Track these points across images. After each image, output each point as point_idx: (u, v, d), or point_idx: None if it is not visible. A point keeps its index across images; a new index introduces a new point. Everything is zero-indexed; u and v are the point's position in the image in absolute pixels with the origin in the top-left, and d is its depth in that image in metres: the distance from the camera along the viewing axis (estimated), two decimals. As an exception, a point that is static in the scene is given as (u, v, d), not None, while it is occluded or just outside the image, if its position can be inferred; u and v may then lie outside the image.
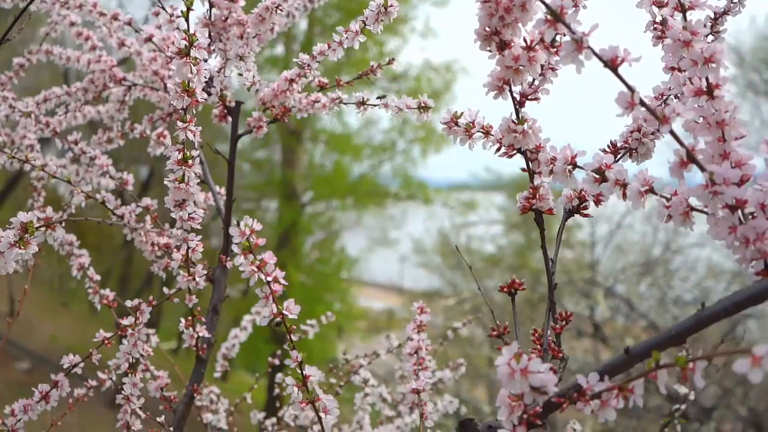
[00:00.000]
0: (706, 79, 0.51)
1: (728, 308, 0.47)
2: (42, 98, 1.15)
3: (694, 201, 0.53)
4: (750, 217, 0.49)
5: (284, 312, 0.60)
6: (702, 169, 0.49)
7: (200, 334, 0.93)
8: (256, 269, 0.58)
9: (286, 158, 10.90)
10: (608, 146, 0.66)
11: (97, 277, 1.05)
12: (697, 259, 7.40)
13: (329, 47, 0.85)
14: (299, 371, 0.61)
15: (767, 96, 8.29)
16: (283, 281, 0.59)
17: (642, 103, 0.48)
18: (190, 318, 0.92)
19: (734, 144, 0.51)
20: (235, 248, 0.58)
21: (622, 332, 6.54)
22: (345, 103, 0.90)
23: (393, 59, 0.95)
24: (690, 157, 0.49)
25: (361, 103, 0.89)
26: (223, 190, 1.05)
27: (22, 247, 0.65)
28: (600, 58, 0.48)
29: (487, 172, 10.54)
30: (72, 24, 1.15)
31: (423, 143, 11.15)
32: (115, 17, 1.05)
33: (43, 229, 0.64)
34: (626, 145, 0.65)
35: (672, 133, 0.48)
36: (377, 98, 0.86)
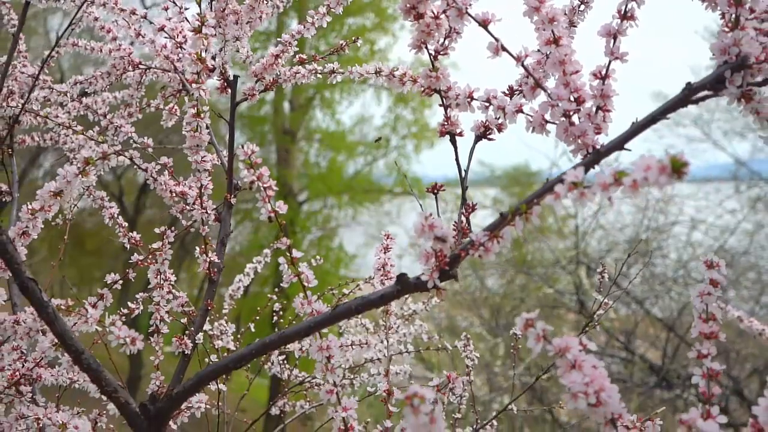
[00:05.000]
0: (552, 32, 0.76)
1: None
2: (73, 81, 1.40)
3: (548, 116, 0.78)
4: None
5: (276, 209, 0.85)
6: (544, 90, 0.74)
7: (212, 260, 1.18)
8: (256, 179, 0.83)
9: (281, 158, 11.14)
10: (507, 89, 0.91)
11: (126, 224, 1.30)
12: (686, 240, 7.70)
13: (304, 26, 1.11)
14: (288, 255, 0.86)
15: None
16: (274, 187, 0.84)
17: (503, 48, 0.73)
18: (203, 246, 1.17)
19: (573, 77, 0.76)
20: (241, 165, 0.83)
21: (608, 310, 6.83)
22: (319, 73, 1.15)
23: (358, 38, 1.20)
24: (537, 84, 0.74)
25: (332, 72, 1.14)
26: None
27: (84, 176, 0.89)
28: (476, 20, 0.73)
29: (480, 165, 10.77)
30: (96, 19, 1.39)
31: (416, 138, 11.40)
32: (133, 12, 1.30)
33: (101, 160, 0.89)
34: (520, 89, 0.90)
35: (524, 68, 0.73)
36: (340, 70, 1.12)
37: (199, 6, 0.92)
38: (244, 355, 0.80)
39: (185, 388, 0.80)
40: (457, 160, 0.86)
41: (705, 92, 0.68)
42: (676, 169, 0.51)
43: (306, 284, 0.86)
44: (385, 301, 0.80)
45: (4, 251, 0.79)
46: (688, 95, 0.67)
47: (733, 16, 0.66)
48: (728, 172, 8.35)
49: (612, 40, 0.74)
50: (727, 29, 0.67)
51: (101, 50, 1.42)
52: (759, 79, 0.67)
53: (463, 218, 0.85)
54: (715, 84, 0.67)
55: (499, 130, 0.88)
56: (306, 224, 11.49)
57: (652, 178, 0.52)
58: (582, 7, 0.91)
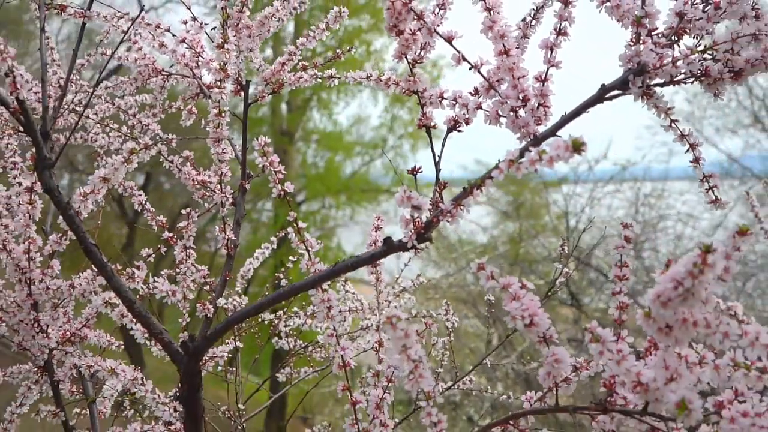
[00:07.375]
0: (503, 44, 0.96)
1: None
2: (104, 86, 1.60)
3: (500, 111, 0.98)
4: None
5: (285, 188, 1.05)
6: (496, 91, 0.94)
7: (230, 237, 1.38)
8: (268, 164, 1.04)
9: (279, 159, 11.31)
10: (473, 90, 1.11)
11: (153, 210, 1.51)
12: (674, 233, 7.93)
13: (307, 39, 1.31)
14: (295, 225, 1.07)
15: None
16: (283, 171, 1.05)
17: (463, 58, 0.93)
18: (222, 225, 1.37)
19: (521, 80, 0.97)
20: (255, 152, 1.03)
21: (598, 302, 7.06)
22: (320, 78, 1.36)
23: (352, 47, 1.40)
24: (490, 86, 0.95)
25: (330, 77, 1.34)
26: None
27: (128, 163, 1.10)
28: (442, 36, 0.94)
29: (477, 164, 10.97)
30: (124, 32, 1.59)
31: (413, 138, 11.61)
32: (158, 26, 1.50)
33: (143, 150, 1.09)
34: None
35: (480, 73, 0.94)
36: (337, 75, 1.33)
37: (222, 26, 1.12)
38: (263, 303, 1.00)
39: (217, 330, 1.01)
40: (431, 147, 1.07)
41: (616, 91, 0.89)
42: (576, 147, 0.72)
43: (310, 249, 1.07)
44: (374, 260, 1.01)
45: (71, 222, 0.99)
46: (603, 93, 0.88)
47: (635, 33, 0.87)
48: (720, 169, 8.59)
49: (549, 51, 0.95)
50: (631, 43, 0.88)
51: (128, 59, 1.63)
52: (657, 81, 0.88)
53: (437, 193, 1.05)
54: (621, 85, 0.87)
55: (467, 123, 1.09)
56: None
57: (561, 154, 0.73)
58: (533, 22, 1.12)
